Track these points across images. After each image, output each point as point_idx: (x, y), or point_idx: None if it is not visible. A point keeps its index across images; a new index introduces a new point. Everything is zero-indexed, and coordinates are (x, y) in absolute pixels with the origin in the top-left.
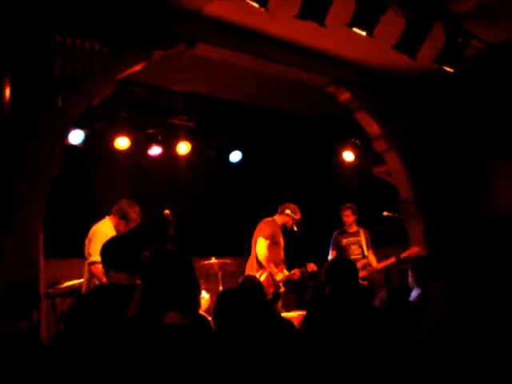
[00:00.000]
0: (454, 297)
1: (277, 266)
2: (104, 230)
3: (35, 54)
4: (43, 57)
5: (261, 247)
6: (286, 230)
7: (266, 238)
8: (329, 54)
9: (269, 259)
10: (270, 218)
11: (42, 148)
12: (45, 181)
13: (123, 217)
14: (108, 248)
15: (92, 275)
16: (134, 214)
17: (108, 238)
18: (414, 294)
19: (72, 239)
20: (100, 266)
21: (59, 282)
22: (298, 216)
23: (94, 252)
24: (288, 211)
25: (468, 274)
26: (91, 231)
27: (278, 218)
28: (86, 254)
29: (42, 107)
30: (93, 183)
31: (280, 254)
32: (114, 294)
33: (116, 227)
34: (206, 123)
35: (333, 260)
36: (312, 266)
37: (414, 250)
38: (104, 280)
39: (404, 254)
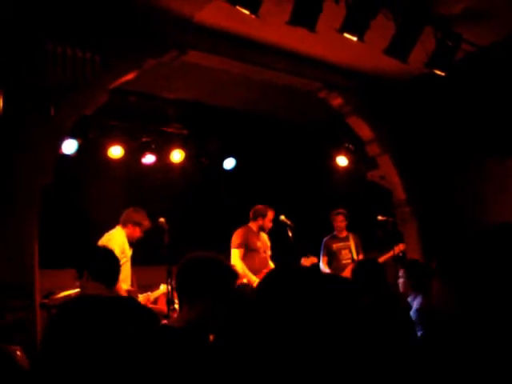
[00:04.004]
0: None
1: (257, 271)
2: (120, 237)
3: (26, 63)
4: (34, 66)
5: (233, 258)
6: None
7: (238, 248)
8: (320, 59)
9: (245, 268)
10: (244, 226)
11: (35, 158)
12: (38, 190)
13: (137, 224)
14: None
15: None
16: (146, 219)
17: (123, 245)
18: (417, 301)
19: (67, 249)
20: None
21: (55, 293)
22: (269, 215)
23: None
24: (259, 213)
25: (466, 276)
26: (106, 238)
27: (252, 224)
28: None
29: (35, 117)
30: (86, 193)
31: (259, 259)
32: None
33: (130, 235)
34: (199, 130)
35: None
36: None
37: (397, 249)
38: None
39: (398, 248)
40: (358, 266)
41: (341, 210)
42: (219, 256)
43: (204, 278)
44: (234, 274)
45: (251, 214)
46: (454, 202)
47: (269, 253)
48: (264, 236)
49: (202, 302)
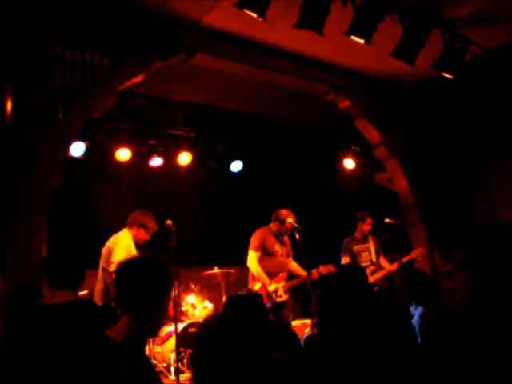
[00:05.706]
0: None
1: (273, 275)
2: (126, 240)
3: (35, 66)
4: (43, 69)
5: (249, 260)
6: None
7: (255, 250)
8: (327, 62)
9: (260, 271)
10: (264, 227)
11: (44, 160)
12: (46, 193)
13: (142, 226)
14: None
15: (111, 284)
16: (152, 221)
17: (129, 248)
18: (418, 311)
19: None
20: None
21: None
22: (290, 220)
23: (117, 261)
24: (277, 218)
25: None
26: (112, 241)
27: (273, 226)
28: (104, 264)
29: (44, 120)
30: (94, 195)
31: (275, 263)
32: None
33: (136, 237)
34: (207, 133)
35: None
36: (315, 274)
37: (415, 253)
38: None
39: (406, 258)
40: (339, 273)
41: (369, 214)
42: (153, 262)
43: (131, 287)
44: (163, 280)
45: (272, 216)
46: (462, 205)
47: (291, 254)
48: (287, 239)
49: (130, 314)
